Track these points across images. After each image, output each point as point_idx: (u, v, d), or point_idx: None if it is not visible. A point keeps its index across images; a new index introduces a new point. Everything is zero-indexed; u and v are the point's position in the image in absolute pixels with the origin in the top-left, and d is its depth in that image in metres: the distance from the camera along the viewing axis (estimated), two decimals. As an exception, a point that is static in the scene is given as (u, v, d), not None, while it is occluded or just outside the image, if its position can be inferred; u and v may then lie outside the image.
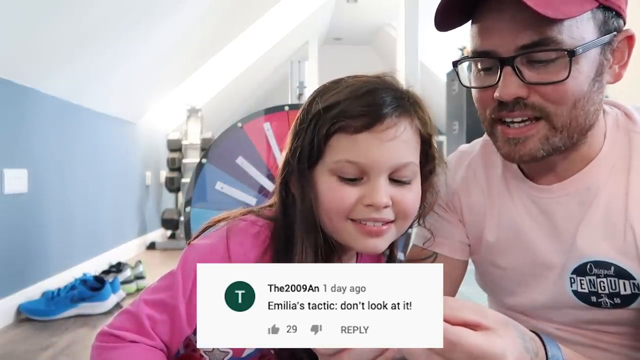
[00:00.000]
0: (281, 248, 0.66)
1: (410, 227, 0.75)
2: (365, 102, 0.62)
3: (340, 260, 0.72)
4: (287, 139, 0.69)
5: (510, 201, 0.76)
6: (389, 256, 0.78)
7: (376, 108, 0.62)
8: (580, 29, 0.61)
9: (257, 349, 0.71)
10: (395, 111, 0.63)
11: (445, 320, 0.45)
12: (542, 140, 0.65)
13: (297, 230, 0.65)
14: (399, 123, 0.63)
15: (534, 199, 0.74)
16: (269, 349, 0.71)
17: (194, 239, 0.71)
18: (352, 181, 0.63)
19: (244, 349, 0.70)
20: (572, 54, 0.60)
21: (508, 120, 0.66)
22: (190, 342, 0.74)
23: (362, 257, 0.76)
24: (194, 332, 0.68)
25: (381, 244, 0.65)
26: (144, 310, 0.64)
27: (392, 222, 0.65)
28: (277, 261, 0.65)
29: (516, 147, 0.66)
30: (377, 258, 0.79)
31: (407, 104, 0.65)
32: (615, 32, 0.64)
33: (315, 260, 0.65)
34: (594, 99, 0.65)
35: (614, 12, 0.64)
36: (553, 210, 0.72)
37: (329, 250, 0.68)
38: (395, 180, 0.64)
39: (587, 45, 0.61)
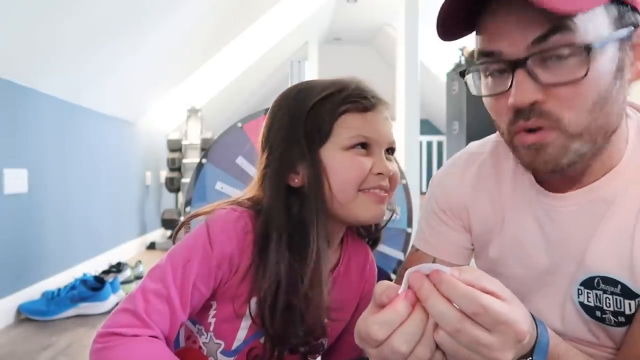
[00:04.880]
0: (264, 234, 0.71)
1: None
2: (366, 88, 0.74)
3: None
4: (274, 135, 0.75)
5: (520, 210, 0.72)
6: (372, 245, 0.87)
7: (374, 93, 0.75)
8: (595, 24, 0.57)
9: (245, 342, 0.74)
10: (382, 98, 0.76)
11: (470, 285, 0.48)
12: (559, 150, 0.60)
13: (311, 213, 0.71)
14: (387, 108, 0.76)
15: (545, 207, 0.70)
16: (257, 341, 0.74)
17: (177, 231, 0.80)
18: (363, 152, 0.73)
19: (234, 342, 0.74)
20: (588, 48, 0.55)
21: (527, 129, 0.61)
22: (191, 334, 0.77)
23: (346, 251, 0.81)
24: (189, 319, 0.72)
25: (384, 211, 0.75)
26: (139, 303, 0.67)
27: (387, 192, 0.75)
28: (260, 243, 0.70)
29: (538, 153, 0.61)
30: (364, 254, 0.85)
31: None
32: (632, 27, 0.60)
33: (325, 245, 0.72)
34: (615, 99, 0.60)
35: (629, 6, 0.60)
36: (564, 220, 0.67)
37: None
38: (386, 153, 0.76)
39: (603, 39, 0.57)
